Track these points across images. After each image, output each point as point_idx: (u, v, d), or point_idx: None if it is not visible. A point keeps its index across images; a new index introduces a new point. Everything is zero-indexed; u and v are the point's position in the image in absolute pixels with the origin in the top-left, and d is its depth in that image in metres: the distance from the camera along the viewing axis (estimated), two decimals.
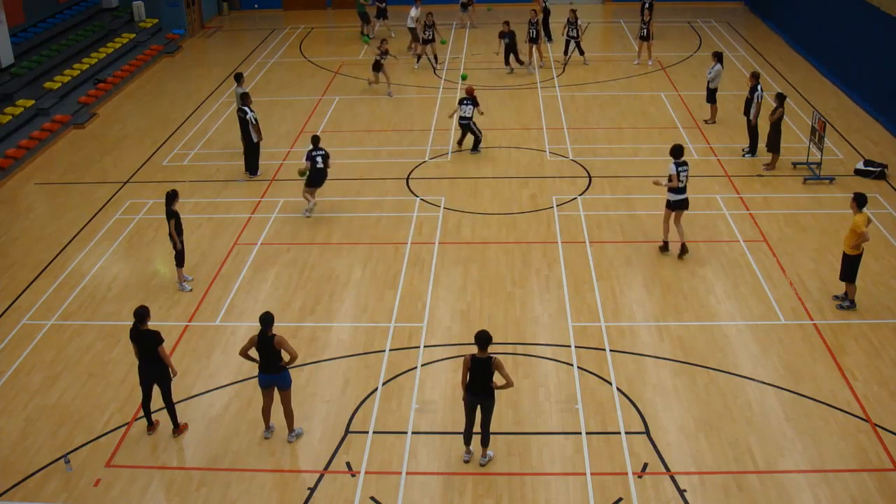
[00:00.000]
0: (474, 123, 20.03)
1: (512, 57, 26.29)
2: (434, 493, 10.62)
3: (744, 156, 19.80)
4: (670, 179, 15.18)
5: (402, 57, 27.90)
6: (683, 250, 15.47)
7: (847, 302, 14.02)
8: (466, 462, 11.04)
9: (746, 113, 19.68)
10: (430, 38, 26.73)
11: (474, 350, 10.57)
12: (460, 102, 19.75)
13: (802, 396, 12.10)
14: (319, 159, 17.29)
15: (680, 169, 15.19)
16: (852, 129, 21.42)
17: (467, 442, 11.03)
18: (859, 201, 13.68)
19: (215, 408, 12.21)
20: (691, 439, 11.35)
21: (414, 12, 27.55)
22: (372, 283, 15.14)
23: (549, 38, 29.09)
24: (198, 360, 13.28)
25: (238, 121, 19.10)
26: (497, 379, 10.59)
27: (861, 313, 13.93)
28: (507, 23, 25.99)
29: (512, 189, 18.57)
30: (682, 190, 15.34)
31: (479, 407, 10.78)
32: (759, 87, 19.43)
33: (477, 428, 10.94)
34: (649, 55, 26.81)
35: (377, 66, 24.15)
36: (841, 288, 14.22)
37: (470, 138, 20.46)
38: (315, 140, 17.43)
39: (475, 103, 19.63)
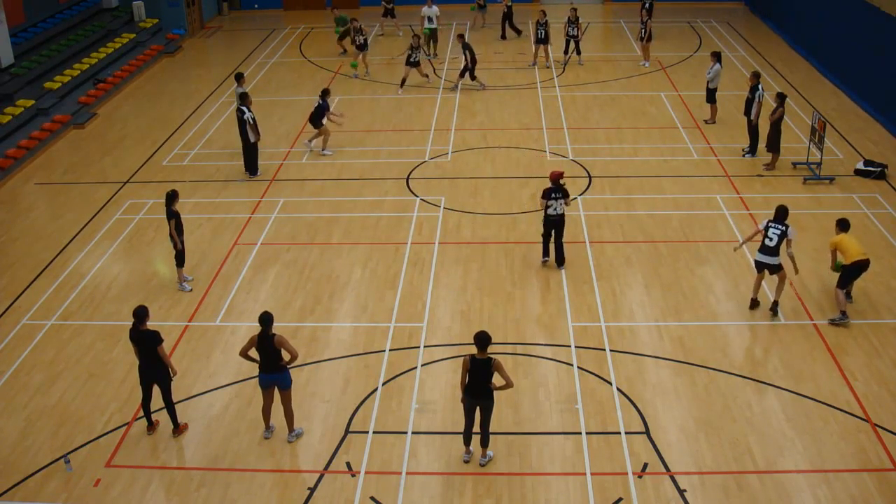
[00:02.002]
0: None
1: (468, 75, 24.70)
2: (434, 493, 10.62)
3: (744, 156, 19.80)
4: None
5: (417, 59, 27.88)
6: (773, 309, 13.79)
7: (840, 315, 13.72)
8: (466, 462, 11.04)
9: (747, 113, 19.67)
10: (416, 60, 24.75)
11: (474, 350, 10.56)
12: (548, 195, 14.75)
13: (802, 396, 12.10)
14: (315, 107, 20.25)
15: (770, 225, 13.50)
16: (852, 129, 21.42)
17: (467, 442, 11.03)
18: (842, 226, 13.87)
19: (215, 408, 12.22)
20: (691, 439, 11.35)
21: (427, 10, 27.41)
22: (372, 283, 15.14)
23: (518, 32, 30.28)
24: (198, 360, 13.28)
25: (237, 120, 19.12)
26: (497, 380, 10.59)
27: (861, 313, 13.92)
28: (461, 35, 25.39)
29: (512, 189, 18.57)
30: (770, 250, 13.47)
31: (478, 408, 10.78)
32: (759, 87, 19.42)
33: (477, 428, 10.94)
34: (647, 56, 26.80)
35: (361, 47, 25.74)
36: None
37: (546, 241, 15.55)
38: (323, 93, 20.35)
39: (566, 194, 14.99)
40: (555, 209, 14.80)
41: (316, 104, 20.36)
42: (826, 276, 14.90)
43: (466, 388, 10.68)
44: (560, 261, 15.30)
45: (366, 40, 25.89)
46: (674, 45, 29.05)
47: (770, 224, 13.54)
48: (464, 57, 24.72)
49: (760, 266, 13.75)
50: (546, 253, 15.46)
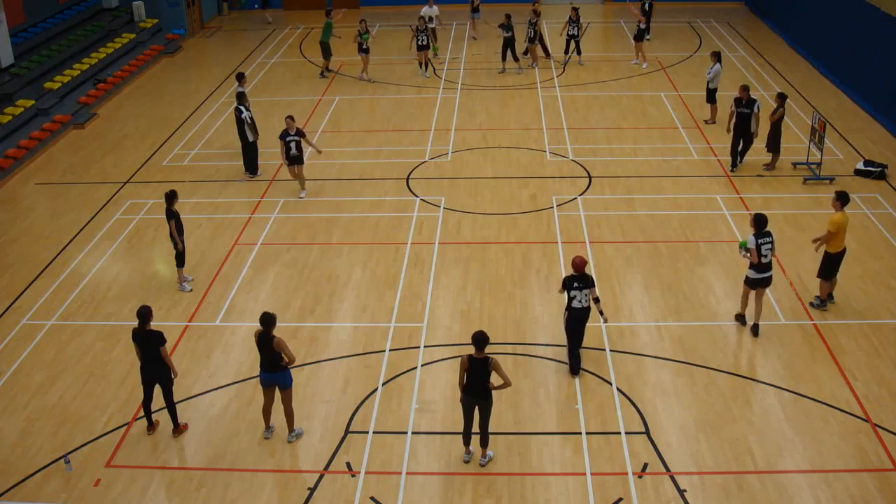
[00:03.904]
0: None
1: (509, 54, 26.13)
2: (434, 493, 10.62)
3: (732, 170, 19.01)
4: (751, 254, 12.99)
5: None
6: (755, 331, 13.39)
7: (817, 300, 14.03)
8: (466, 462, 11.04)
9: (742, 131, 18.58)
10: (425, 43, 25.99)
11: (473, 350, 10.56)
12: (570, 285, 12.34)
13: (802, 396, 12.10)
14: (293, 145, 17.81)
15: (762, 242, 12.91)
16: (852, 129, 21.41)
17: (466, 442, 11.03)
18: (843, 200, 13.67)
19: (215, 408, 12.22)
20: (691, 439, 11.35)
21: (427, 10, 27.34)
22: (372, 283, 15.14)
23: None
24: (198, 360, 13.28)
25: (235, 120, 19.13)
26: (495, 379, 10.59)
27: (861, 313, 13.91)
28: (508, 16, 25.93)
29: (512, 189, 18.58)
30: (766, 267, 13.00)
31: (477, 408, 10.78)
32: (756, 101, 18.45)
33: (476, 428, 10.94)
34: (644, 57, 26.74)
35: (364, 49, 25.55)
36: (839, 289, 14.23)
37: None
38: (290, 117, 18.03)
39: (592, 283, 12.43)
40: (580, 301, 12.34)
41: (292, 141, 17.81)
42: None
43: (465, 387, 10.68)
44: (577, 370, 12.63)
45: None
46: (674, 45, 29.05)
47: (760, 241, 12.90)
48: (528, 33, 26.13)
49: (755, 283, 13.17)
50: (577, 369, 12.61)
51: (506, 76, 26.09)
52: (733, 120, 18.70)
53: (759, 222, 13.00)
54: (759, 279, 13.12)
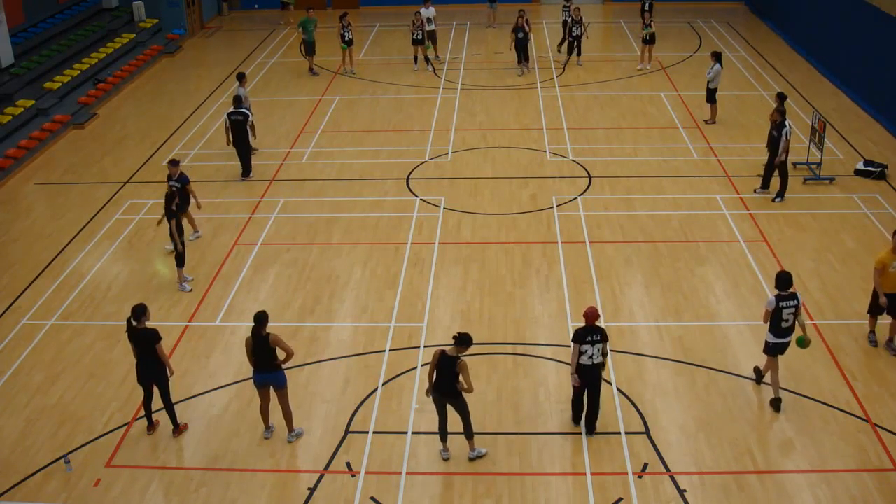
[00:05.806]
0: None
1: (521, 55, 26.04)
2: (434, 493, 10.62)
3: (755, 192, 18.00)
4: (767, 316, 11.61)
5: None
6: (776, 406, 11.86)
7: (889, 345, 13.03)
8: (445, 460, 11.02)
9: (774, 151, 17.40)
10: (420, 38, 26.33)
11: (465, 350, 10.54)
12: (583, 339, 10.99)
13: (802, 396, 12.10)
14: (174, 190, 15.52)
15: (783, 304, 11.38)
16: (852, 129, 21.41)
17: (443, 439, 11.04)
18: None
19: (215, 408, 12.22)
20: (691, 439, 11.35)
21: (425, 11, 27.44)
22: (372, 283, 15.14)
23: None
24: (198, 360, 13.28)
25: (232, 123, 18.77)
26: (462, 380, 10.58)
27: (861, 313, 13.88)
28: (522, 11, 25.83)
29: (512, 189, 18.58)
30: (786, 332, 11.56)
31: (449, 406, 10.80)
32: (787, 125, 17.20)
33: (459, 428, 10.95)
34: (648, 58, 26.69)
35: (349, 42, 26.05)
36: (840, 290, 14.19)
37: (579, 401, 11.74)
38: (172, 163, 16.09)
39: (605, 337, 11.19)
40: (591, 357, 11.07)
41: (174, 186, 15.79)
42: (826, 276, 14.90)
43: (434, 383, 10.69)
44: (590, 425, 11.49)
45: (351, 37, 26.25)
46: (674, 45, 29.04)
47: (782, 304, 11.39)
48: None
49: (776, 349, 11.73)
50: (578, 417, 11.61)
51: (505, 76, 26.08)
52: (769, 140, 17.66)
53: (782, 281, 11.48)
54: (779, 344, 11.68)
